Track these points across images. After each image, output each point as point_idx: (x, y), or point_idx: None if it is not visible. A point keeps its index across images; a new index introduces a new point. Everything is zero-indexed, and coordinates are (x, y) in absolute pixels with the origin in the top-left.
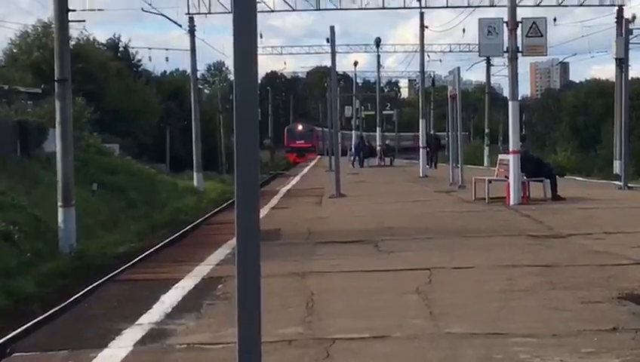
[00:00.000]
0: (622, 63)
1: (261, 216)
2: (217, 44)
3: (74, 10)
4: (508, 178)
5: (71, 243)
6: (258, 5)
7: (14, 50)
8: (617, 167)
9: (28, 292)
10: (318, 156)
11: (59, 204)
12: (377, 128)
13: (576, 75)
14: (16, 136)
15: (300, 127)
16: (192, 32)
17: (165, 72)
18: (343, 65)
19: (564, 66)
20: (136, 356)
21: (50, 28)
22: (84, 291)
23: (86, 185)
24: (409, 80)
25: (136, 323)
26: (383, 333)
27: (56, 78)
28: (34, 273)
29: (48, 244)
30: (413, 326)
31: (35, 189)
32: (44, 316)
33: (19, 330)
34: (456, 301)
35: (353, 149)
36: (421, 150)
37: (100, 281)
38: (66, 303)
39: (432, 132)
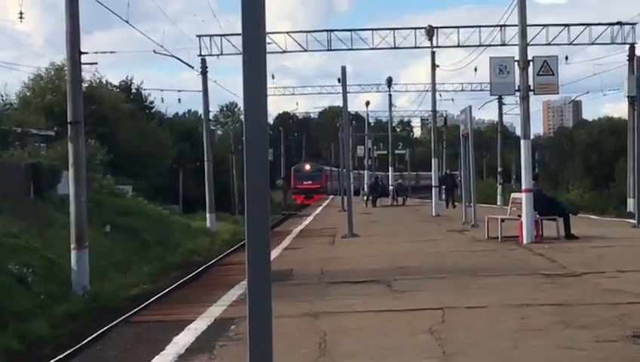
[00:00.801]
0: (634, 101)
1: (274, 256)
2: (230, 85)
3: (86, 53)
4: (521, 217)
5: (84, 285)
6: (269, 46)
7: (27, 93)
8: (631, 204)
9: (41, 334)
10: (331, 196)
11: (72, 245)
12: (390, 168)
13: (589, 113)
14: (30, 179)
15: (308, 167)
16: (204, 73)
17: (178, 113)
18: (355, 104)
19: (577, 104)
20: None
21: (63, 70)
22: (97, 333)
23: (99, 226)
24: (421, 119)
25: None
26: None
27: (69, 121)
28: (47, 315)
29: (61, 286)
30: None
31: (48, 231)
32: (56, 359)
33: None
34: (470, 340)
35: (367, 189)
36: (433, 189)
37: (113, 323)
38: (78, 346)
39: (447, 171)
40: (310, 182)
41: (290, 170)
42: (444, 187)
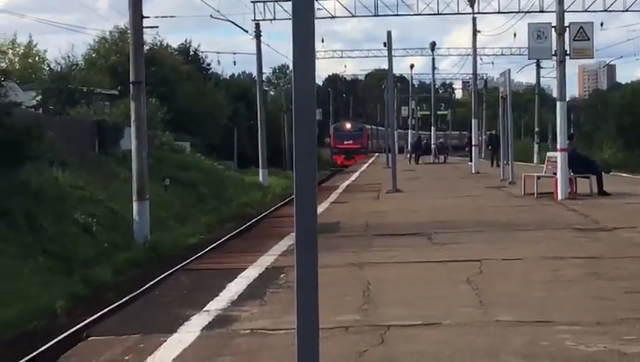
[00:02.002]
0: None
1: (321, 209)
2: (282, 48)
3: (148, 17)
4: (556, 174)
5: (145, 235)
6: (319, 12)
7: (93, 55)
8: None
9: (105, 280)
10: (376, 154)
11: (134, 198)
12: (432, 127)
13: (623, 76)
14: (95, 135)
15: (349, 126)
16: (257, 37)
17: (233, 74)
18: (400, 67)
19: (611, 68)
20: (203, 340)
21: (126, 33)
22: (156, 279)
23: (159, 180)
24: (462, 82)
25: (204, 309)
26: (434, 321)
27: (131, 81)
28: (110, 262)
29: (124, 236)
30: (463, 314)
31: (111, 184)
32: (119, 303)
33: (95, 316)
34: (505, 290)
35: (410, 147)
36: (473, 148)
37: (171, 270)
38: (139, 291)
39: (493, 132)
40: (351, 141)
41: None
42: (489, 147)
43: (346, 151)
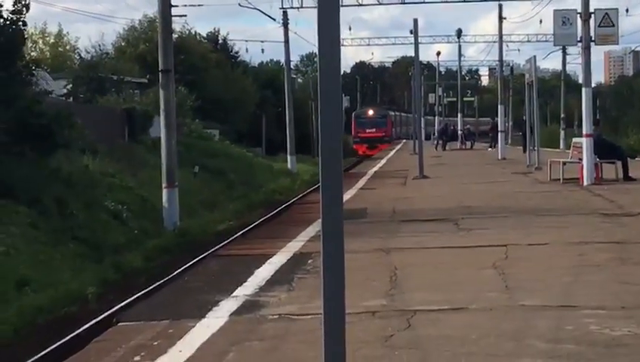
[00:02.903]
0: None
1: (349, 196)
2: (309, 36)
3: (176, 6)
4: (581, 160)
5: (174, 222)
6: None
7: (122, 43)
8: None
9: (135, 266)
10: (403, 140)
11: (163, 185)
12: (458, 114)
13: None
14: (124, 123)
15: (371, 112)
16: (285, 25)
17: (261, 62)
18: (427, 55)
19: (637, 54)
20: (232, 325)
21: (155, 22)
22: (185, 266)
23: (188, 167)
24: (489, 68)
25: (232, 295)
26: (460, 305)
27: (160, 69)
28: (140, 249)
29: (153, 222)
30: (489, 298)
31: (141, 172)
32: (148, 289)
33: (125, 302)
34: (530, 275)
35: (437, 134)
36: (500, 134)
37: (200, 257)
38: (168, 277)
39: (524, 117)
40: (374, 129)
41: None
42: (520, 133)
43: (369, 140)
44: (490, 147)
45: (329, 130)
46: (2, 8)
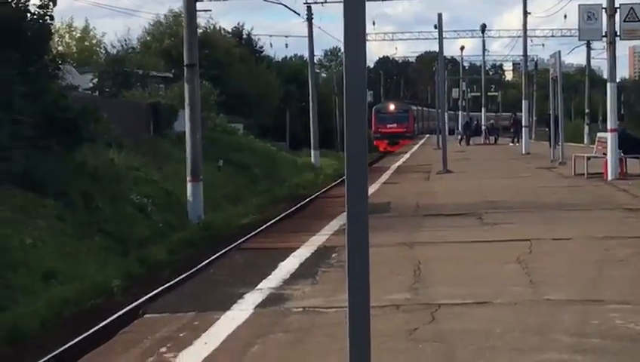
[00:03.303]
0: None
1: (373, 190)
2: (333, 30)
3: (201, 1)
4: (606, 155)
5: (199, 215)
6: None
7: (148, 38)
8: None
9: (160, 259)
10: (426, 135)
11: (188, 178)
12: (482, 109)
13: None
14: (150, 117)
15: (392, 107)
16: (309, 20)
17: (285, 57)
18: (451, 50)
19: None
20: (257, 318)
21: (180, 17)
22: (210, 259)
23: (213, 161)
24: (513, 63)
25: (257, 288)
26: (485, 299)
27: (185, 64)
28: (165, 242)
29: (178, 216)
30: (513, 293)
31: (166, 165)
32: (173, 281)
33: (151, 294)
34: (555, 270)
35: (461, 128)
36: (524, 129)
37: (224, 250)
38: (193, 270)
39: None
40: (395, 125)
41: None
42: (546, 128)
43: (390, 135)
44: (512, 142)
45: (354, 124)
46: (29, 3)
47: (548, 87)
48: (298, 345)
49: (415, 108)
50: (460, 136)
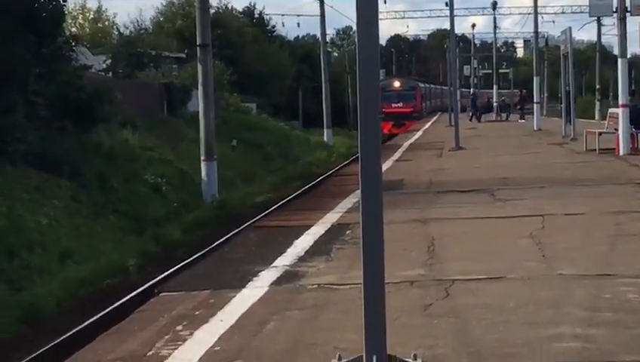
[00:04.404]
0: None
1: (386, 167)
2: (345, 9)
3: None
4: (617, 130)
5: (213, 194)
6: None
7: (160, 19)
8: None
9: (175, 238)
10: (438, 113)
11: (202, 158)
12: (494, 86)
13: None
14: (163, 97)
15: (397, 84)
16: None
17: (297, 36)
18: (462, 27)
19: None
20: (272, 295)
21: None
22: (225, 237)
23: (226, 141)
24: (524, 40)
25: (272, 265)
26: (498, 275)
27: (198, 44)
28: (180, 221)
29: (192, 195)
30: (526, 268)
31: (180, 145)
32: (189, 260)
33: (166, 273)
34: (568, 245)
35: (470, 105)
36: (535, 105)
37: (239, 228)
38: (208, 248)
39: (567, 88)
40: (400, 104)
41: None
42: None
43: (395, 116)
44: (521, 118)
45: (367, 103)
46: None
47: (559, 63)
48: (313, 321)
49: (423, 85)
50: (470, 113)
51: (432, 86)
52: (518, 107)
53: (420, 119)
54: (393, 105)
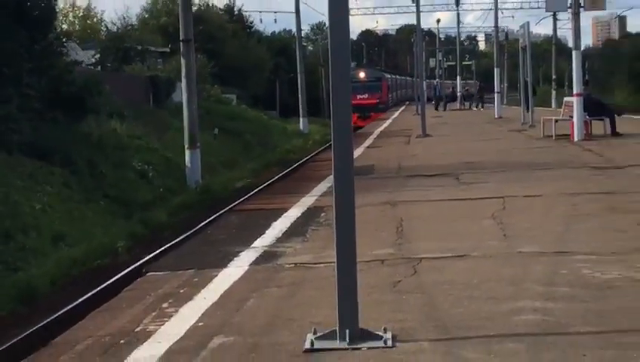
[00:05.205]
0: None
1: (357, 154)
2: (319, 6)
3: None
4: (572, 117)
5: (196, 180)
6: None
7: (146, 16)
8: None
9: (161, 221)
10: (406, 102)
11: (186, 146)
12: (457, 77)
13: (633, 26)
14: (149, 89)
15: (363, 75)
16: None
17: (274, 31)
18: (428, 22)
19: (622, 19)
20: (252, 274)
21: None
22: (208, 220)
23: (209, 130)
24: (485, 34)
25: (252, 246)
26: (462, 253)
27: (181, 39)
28: (165, 205)
29: (177, 181)
30: (489, 246)
31: (165, 134)
32: (174, 241)
33: (153, 254)
34: (527, 224)
35: (433, 95)
36: (496, 95)
37: (221, 211)
38: (192, 230)
39: (526, 79)
40: (366, 95)
41: None
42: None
43: (360, 108)
44: (477, 107)
45: (340, 93)
46: None
47: (518, 55)
48: (291, 298)
49: (389, 76)
50: (435, 103)
51: (398, 77)
52: (478, 96)
53: (386, 111)
54: (358, 96)
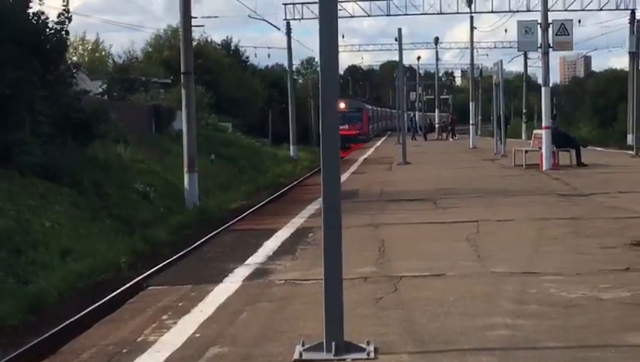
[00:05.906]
0: (634, 56)
1: (343, 179)
2: (309, 43)
3: (196, 17)
4: (541, 148)
5: (194, 201)
6: (340, 12)
7: (150, 50)
8: (630, 139)
9: (161, 238)
10: (388, 132)
11: (185, 170)
12: (436, 110)
13: (597, 65)
14: (152, 117)
15: (343, 105)
16: (288, 33)
17: (268, 66)
18: (409, 59)
19: (587, 59)
20: (245, 289)
21: (178, 31)
22: (204, 238)
23: (206, 155)
24: (462, 71)
25: (245, 263)
26: (439, 272)
27: (182, 71)
28: (165, 224)
29: (176, 202)
30: (463, 266)
31: (166, 158)
32: (173, 258)
33: (153, 269)
34: (499, 246)
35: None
36: (471, 126)
37: (217, 231)
38: (190, 248)
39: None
40: (346, 126)
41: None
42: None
43: (340, 138)
44: (451, 138)
45: (329, 122)
46: (49, 20)
47: (492, 90)
48: (281, 311)
49: (370, 107)
50: (412, 133)
51: (378, 108)
52: (450, 128)
53: (367, 141)
54: (340, 127)
